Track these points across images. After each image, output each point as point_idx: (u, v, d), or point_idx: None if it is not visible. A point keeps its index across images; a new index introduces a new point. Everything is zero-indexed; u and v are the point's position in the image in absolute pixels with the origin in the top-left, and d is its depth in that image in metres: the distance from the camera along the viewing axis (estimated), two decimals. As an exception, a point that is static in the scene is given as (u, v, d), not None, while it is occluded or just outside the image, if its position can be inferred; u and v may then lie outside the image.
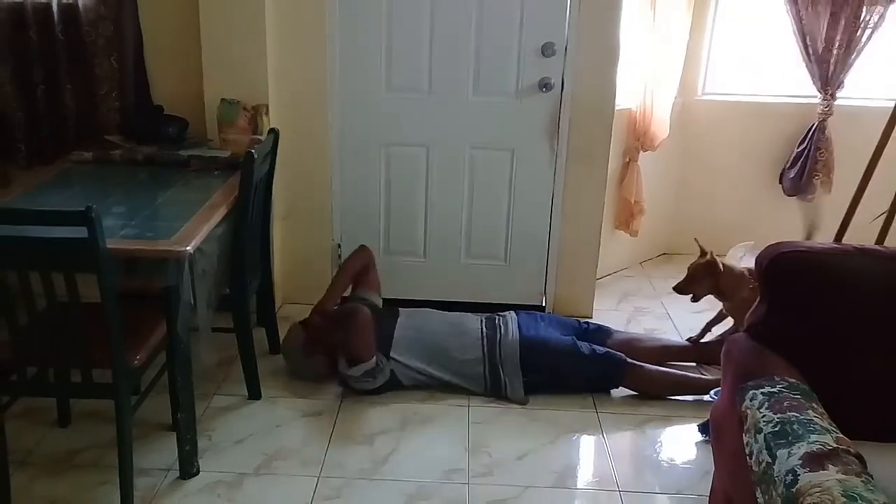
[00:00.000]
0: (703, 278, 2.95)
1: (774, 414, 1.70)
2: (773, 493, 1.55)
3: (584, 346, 2.98)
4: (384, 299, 3.31)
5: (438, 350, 2.98)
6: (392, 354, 2.94)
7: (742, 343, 2.07)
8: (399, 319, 3.10)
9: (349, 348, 2.88)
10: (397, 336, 2.99)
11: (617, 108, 3.42)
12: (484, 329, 3.05)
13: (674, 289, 3.02)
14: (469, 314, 3.20)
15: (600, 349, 3.00)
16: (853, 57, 3.81)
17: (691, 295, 2.98)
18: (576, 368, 2.95)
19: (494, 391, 2.95)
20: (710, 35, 4.04)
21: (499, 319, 3.12)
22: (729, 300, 2.98)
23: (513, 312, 3.20)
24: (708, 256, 2.95)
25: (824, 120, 3.95)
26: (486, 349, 2.97)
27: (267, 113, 3.16)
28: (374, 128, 3.40)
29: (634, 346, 3.12)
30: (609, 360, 2.97)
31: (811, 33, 3.78)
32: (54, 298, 2.11)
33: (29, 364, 2.22)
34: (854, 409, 1.83)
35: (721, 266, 2.92)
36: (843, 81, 3.88)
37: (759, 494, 1.63)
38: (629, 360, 2.97)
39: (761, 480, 1.63)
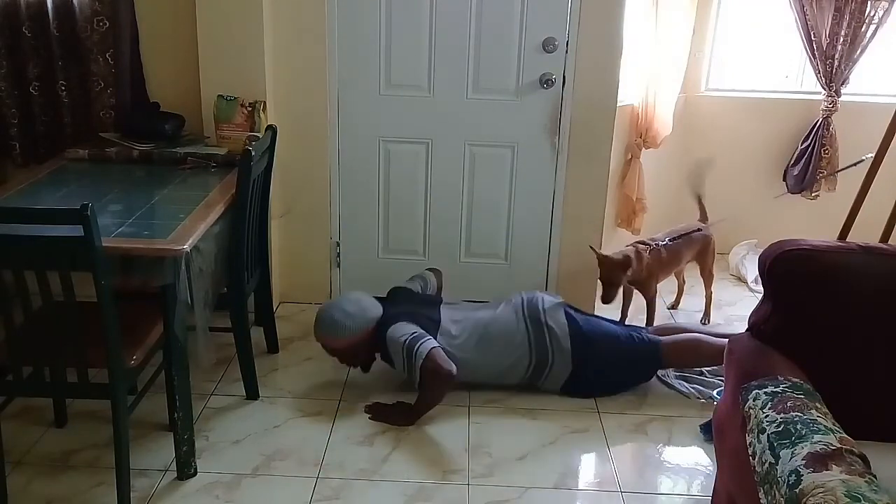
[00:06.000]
0: (618, 274, 3.19)
1: (777, 414, 1.69)
2: (777, 493, 1.54)
3: (624, 331, 3.03)
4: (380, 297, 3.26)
5: (484, 333, 2.90)
6: (438, 340, 2.83)
7: (745, 342, 2.05)
8: (441, 306, 3.03)
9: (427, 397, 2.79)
10: (443, 321, 2.92)
11: (619, 104, 3.39)
12: (525, 311, 2.97)
13: (604, 302, 3.26)
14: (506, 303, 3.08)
15: (637, 333, 3.01)
16: (858, 53, 3.79)
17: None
18: (620, 353, 2.94)
19: (535, 375, 2.90)
20: (713, 30, 4.01)
21: (540, 303, 3.02)
22: (634, 280, 3.27)
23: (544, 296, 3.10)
24: (600, 257, 3.20)
25: (828, 116, 3.92)
26: (531, 331, 2.90)
27: (264, 109, 3.13)
28: (374, 124, 3.37)
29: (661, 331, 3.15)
30: (649, 344, 2.97)
31: (815, 29, 3.76)
32: (50, 297, 2.10)
33: (25, 363, 2.20)
34: (857, 408, 1.81)
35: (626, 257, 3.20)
36: (847, 77, 3.85)
37: (762, 495, 1.62)
38: (661, 338, 2.99)
39: (764, 481, 1.61)
